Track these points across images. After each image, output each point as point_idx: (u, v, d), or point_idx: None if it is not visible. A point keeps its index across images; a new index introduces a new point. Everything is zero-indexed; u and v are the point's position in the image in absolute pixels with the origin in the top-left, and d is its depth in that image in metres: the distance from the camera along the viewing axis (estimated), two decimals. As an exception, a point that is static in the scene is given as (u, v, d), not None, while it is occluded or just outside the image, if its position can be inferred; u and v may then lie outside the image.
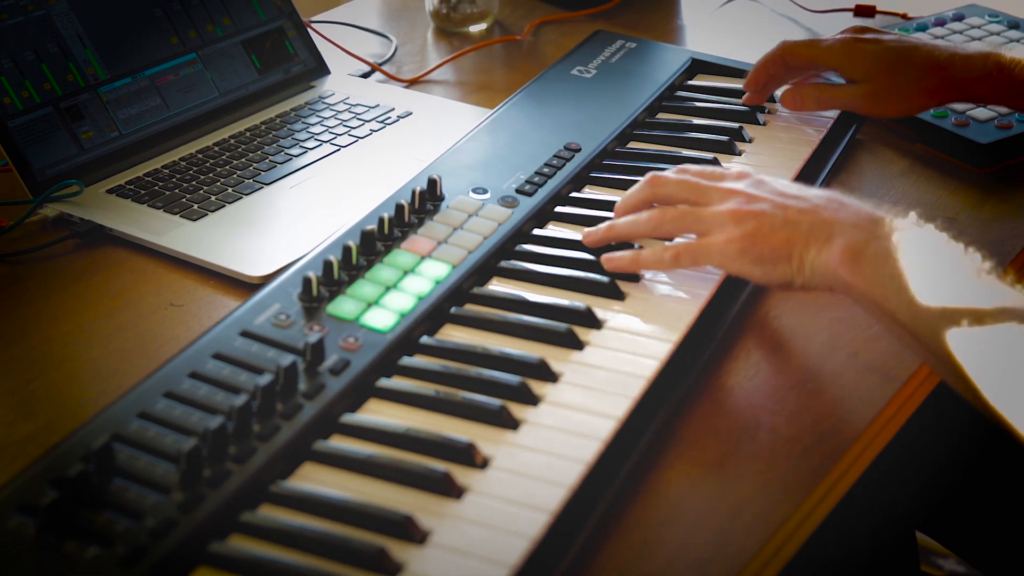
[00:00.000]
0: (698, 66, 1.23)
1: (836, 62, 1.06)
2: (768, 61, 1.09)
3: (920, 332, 0.72)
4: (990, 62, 1.02)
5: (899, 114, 1.08)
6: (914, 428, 0.86)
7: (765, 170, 0.92)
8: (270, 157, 1.11)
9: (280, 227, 1.00)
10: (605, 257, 0.86)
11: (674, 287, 0.86)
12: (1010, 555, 1.15)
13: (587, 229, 0.88)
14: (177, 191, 1.05)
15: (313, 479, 0.67)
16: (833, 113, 1.12)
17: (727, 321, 0.85)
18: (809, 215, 0.79)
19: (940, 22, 1.37)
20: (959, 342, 0.69)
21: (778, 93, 1.14)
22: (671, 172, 0.87)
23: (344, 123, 1.17)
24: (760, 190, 0.82)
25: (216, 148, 1.12)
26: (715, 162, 1.02)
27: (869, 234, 0.76)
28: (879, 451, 0.80)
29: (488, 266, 0.87)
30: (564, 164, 0.99)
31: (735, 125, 1.09)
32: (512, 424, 0.71)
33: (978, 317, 0.69)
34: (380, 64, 1.36)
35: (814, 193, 0.82)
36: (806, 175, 1.03)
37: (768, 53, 1.09)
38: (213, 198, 1.03)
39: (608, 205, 0.95)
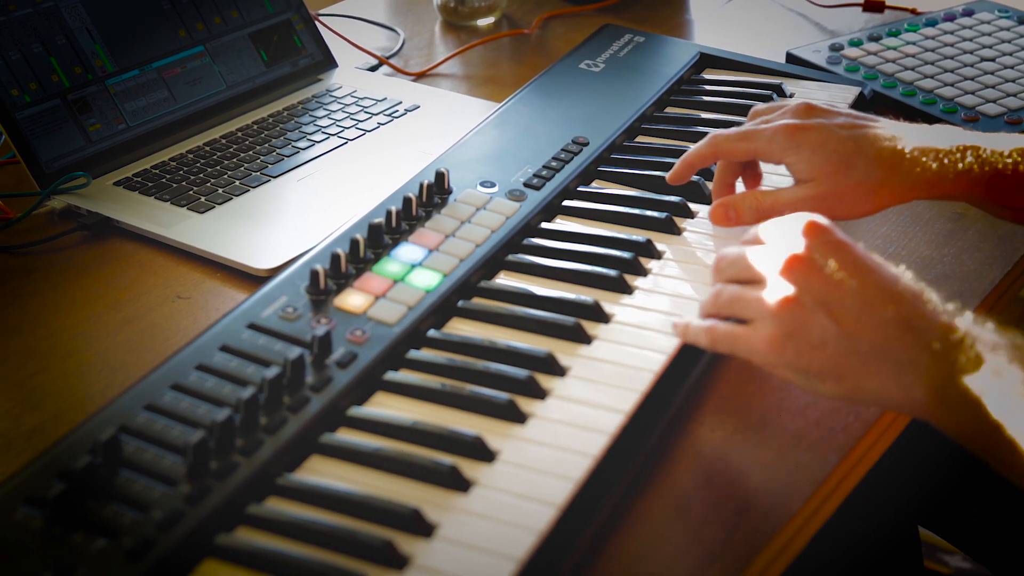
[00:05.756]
0: (706, 60, 1.22)
1: (779, 156, 0.86)
2: (697, 159, 0.91)
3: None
4: (966, 157, 0.84)
5: (853, 218, 0.88)
6: (921, 423, 0.86)
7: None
8: (277, 150, 1.10)
9: (287, 220, 1.00)
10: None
11: (683, 281, 0.85)
12: (1016, 551, 1.15)
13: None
14: (184, 184, 1.04)
15: (320, 472, 0.67)
16: (849, 97, 1.12)
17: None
18: (870, 333, 0.66)
19: (950, 17, 1.36)
20: None
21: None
22: (733, 249, 0.75)
23: (351, 116, 1.17)
24: (825, 271, 0.68)
25: (223, 141, 1.12)
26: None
27: (949, 369, 0.64)
28: (887, 446, 0.79)
29: (496, 260, 0.87)
30: (572, 158, 0.99)
31: (744, 120, 1.08)
32: (519, 418, 0.71)
33: None
34: (387, 57, 1.36)
35: (892, 283, 0.68)
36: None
37: (697, 148, 0.91)
38: (220, 191, 1.03)
39: (616, 199, 0.95)
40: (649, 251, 0.88)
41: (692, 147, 0.92)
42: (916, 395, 0.65)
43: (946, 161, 0.84)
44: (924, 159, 0.84)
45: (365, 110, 1.18)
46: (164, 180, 1.05)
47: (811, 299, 0.68)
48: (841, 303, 0.67)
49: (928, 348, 0.65)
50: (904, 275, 0.70)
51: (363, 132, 1.14)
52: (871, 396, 0.67)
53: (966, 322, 0.66)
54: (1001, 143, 0.86)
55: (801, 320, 0.68)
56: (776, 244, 0.72)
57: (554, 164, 0.98)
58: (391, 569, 0.61)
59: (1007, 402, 0.63)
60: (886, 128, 0.87)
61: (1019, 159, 0.85)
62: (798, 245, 0.70)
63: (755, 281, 0.72)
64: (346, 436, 0.70)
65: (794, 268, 0.69)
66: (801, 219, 0.72)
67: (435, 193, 0.91)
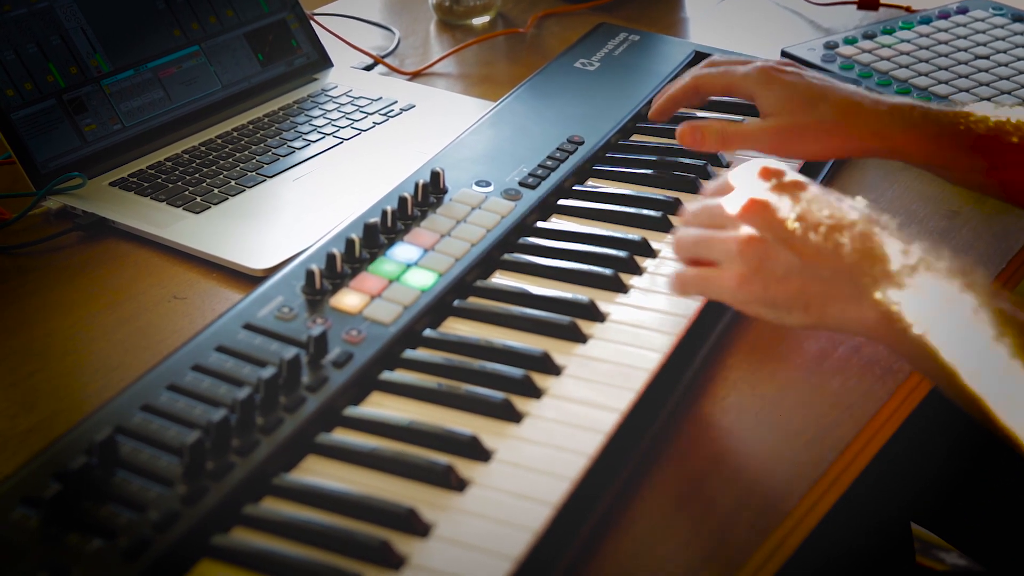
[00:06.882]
0: (701, 59, 1.22)
1: (751, 90, 0.95)
2: (681, 92, 1.00)
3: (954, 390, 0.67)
4: (915, 113, 0.90)
5: (807, 157, 0.98)
6: (917, 422, 0.86)
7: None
8: (273, 150, 1.11)
9: (283, 220, 1.00)
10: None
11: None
12: (1011, 549, 1.15)
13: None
14: (180, 184, 1.05)
15: (316, 472, 0.67)
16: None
17: (729, 314, 0.85)
18: (830, 260, 0.70)
19: (944, 15, 1.37)
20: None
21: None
22: (693, 206, 0.78)
23: (347, 116, 1.17)
24: (783, 208, 0.72)
25: (219, 141, 1.12)
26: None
27: (903, 295, 0.67)
28: (882, 445, 0.80)
29: (491, 259, 0.87)
30: (567, 157, 0.99)
31: (739, 117, 1.09)
32: (515, 417, 0.71)
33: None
34: (383, 57, 1.36)
35: (846, 213, 0.72)
36: (807, 169, 1.02)
37: (680, 85, 1.00)
38: (216, 191, 1.03)
39: (611, 198, 0.95)
40: (644, 250, 0.88)
41: (673, 83, 1.01)
42: (870, 317, 0.68)
43: (898, 115, 0.90)
44: (879, 109, 0.91)
45: (360, 109, 1.18)
46: (160, 180, 1.05)
47: (773, 235, 0.72)
48: (801, 236, 0.71)
49: (883, 272, 0.68)
50: (859, 203, 0.74)
51: (359, 131, 1.15)
52: (834, 321, 0.71)
53: (921, 248, 0.69)
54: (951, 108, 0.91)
55: (765, 255, 0.71)
56: (734, 192, 0.75)
57: (549, 163, 0.98)
58: (388, 569, 0.61)
59: (958, 329, 0.65)
60: (853, 87, 0.94)
61: (963, 120, 0.89)
62: (755, 189, 0.74)
63: (718, 228, 0.75)
64: (342, 436, 0.70)
65: (754, 209, 0.73)
66: (756, 166, 0.76)
67: (431, 192, 0.91)
